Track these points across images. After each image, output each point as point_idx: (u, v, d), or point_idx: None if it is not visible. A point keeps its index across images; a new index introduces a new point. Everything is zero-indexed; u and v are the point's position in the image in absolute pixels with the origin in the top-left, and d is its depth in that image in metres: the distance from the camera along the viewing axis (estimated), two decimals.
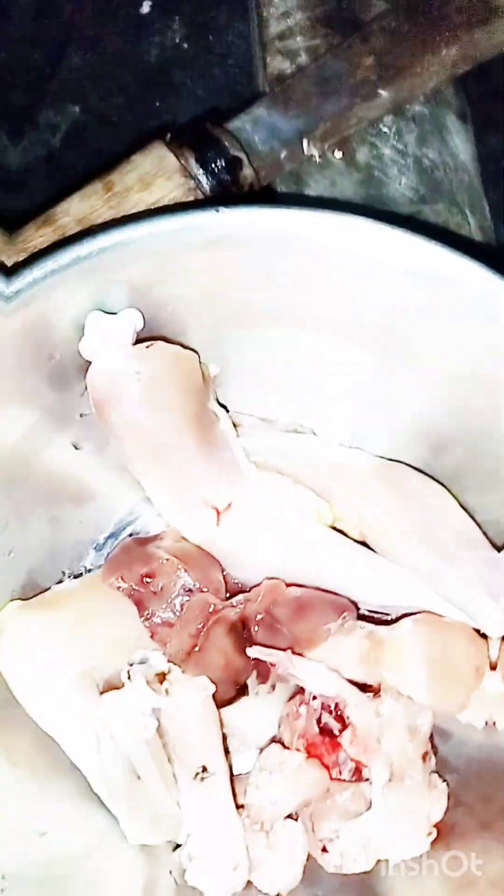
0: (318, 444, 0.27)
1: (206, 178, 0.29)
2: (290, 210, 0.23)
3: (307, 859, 0.22)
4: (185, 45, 0.34)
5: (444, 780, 0.23)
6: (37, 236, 0.28)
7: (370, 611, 0.24)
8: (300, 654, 0.23)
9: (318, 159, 0.30)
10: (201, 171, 0.29)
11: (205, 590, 0.24)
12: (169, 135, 0.29)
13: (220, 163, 0.28)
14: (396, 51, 0.29)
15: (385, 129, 0.31)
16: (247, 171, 0.29)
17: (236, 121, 0.29)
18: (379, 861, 0.22)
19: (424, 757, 0.22)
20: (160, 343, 0.25)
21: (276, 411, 0.28)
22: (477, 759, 0.23)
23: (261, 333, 0.27)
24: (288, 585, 0.24)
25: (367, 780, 0.22)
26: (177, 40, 0.34)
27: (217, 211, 0.22)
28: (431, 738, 0.24)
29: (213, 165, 0.28)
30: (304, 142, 0.30)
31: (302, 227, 0.23)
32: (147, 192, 0.28)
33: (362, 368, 0.26)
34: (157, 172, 0.28)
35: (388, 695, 0.22)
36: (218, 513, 0.26)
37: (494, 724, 0.23)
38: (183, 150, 0.28)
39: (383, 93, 0.30)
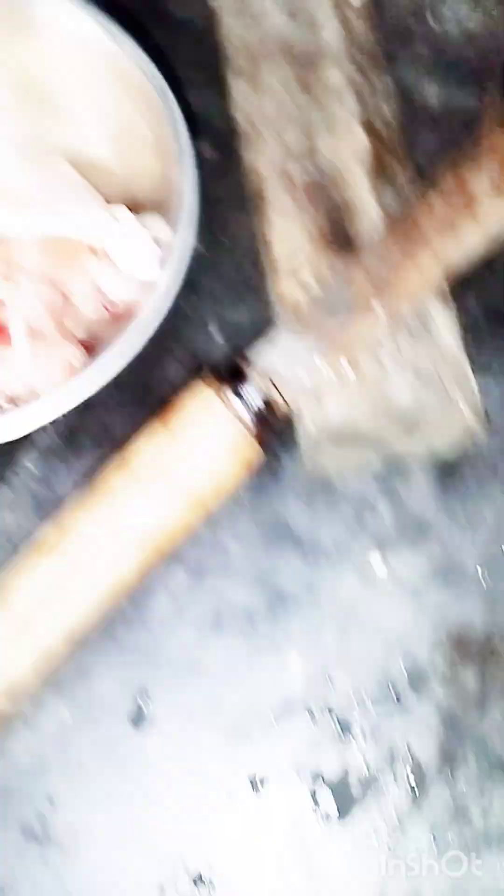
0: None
1: (247, 412, 0.33)
2: None
3: None
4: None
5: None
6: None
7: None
8: None
9: (333, 377, 0.34)
10: (241, 407, 0.33)
11: None
12: (209, 373, 0.34)
13: (256, 396, 0.33)
14: (384, 268, 0.34)
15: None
16: (277, 398, 0.33)
17: (259, 350, 0.34)
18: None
19: (58, 323, 0.34)
20: None
21: None
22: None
23: None
24: None
25: None
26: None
27: None
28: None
29: (251, 401, 0.33)
30: (317, 359, 0.34)
31: None
32: (200, 429, 0.33)
33: None
34: (204, 410, 0.33)
35: (20, 277, 0.34)
36: None
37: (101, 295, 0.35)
38: (221, 386, 0.33)
39: (377, 306, 0.34)
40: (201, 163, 0.35)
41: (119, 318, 0.36)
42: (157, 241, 0.35)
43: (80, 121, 0.38)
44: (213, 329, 0.40)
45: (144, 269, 0.34)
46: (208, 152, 0.45)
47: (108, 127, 0.38)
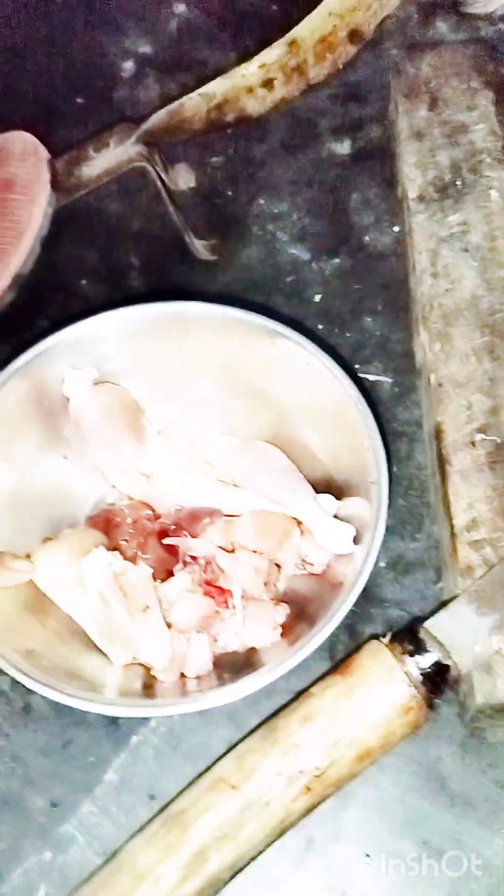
0: (208, 433, 0.46)
1: (418, 674, 0.37)
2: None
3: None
4: None
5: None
6: None
7: (226, 514, 0.43)
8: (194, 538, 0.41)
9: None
10: (415, 670, 0.37)
11: (142, 519, 0.43)
12: (389, 635, 0.38)
13: (430, 664, 0.37)
14: None
15: None
16: (450, 665, 0.37)
17: (437, 618, 0.38)
18: (251, 649, 0.40)
19: (267, 585, 0.40)
20: (107, 384, 0.45)
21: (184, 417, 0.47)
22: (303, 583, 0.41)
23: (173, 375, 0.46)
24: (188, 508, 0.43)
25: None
26: None
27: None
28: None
29: (424, 665, 0.37)
30: (494, 637, 0.37)
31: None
32: (375, 687, 0.37)
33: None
34: (380, 670, 0.37)
35: (238, 551, 0.40)
36: (147, 478, 0.45)
37: (304, 563, 0.41)
38: (398, 648, 0.37)
39: None
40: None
41: (317, 576, 0.42)
42: (354, 520, 0.39)
43: (293, 418, 0.45)
44: (391, 581, 0.44)
45: (342, 545, 0.39)
46: (386, 377, 0.50)
47: (315, 424, 0.44)
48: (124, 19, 0.66)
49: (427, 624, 0.38)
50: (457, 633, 0.38)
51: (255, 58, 0.54)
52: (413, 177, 0.51)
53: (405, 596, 0.44)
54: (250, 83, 0.54)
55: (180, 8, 0.67)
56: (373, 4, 0.54)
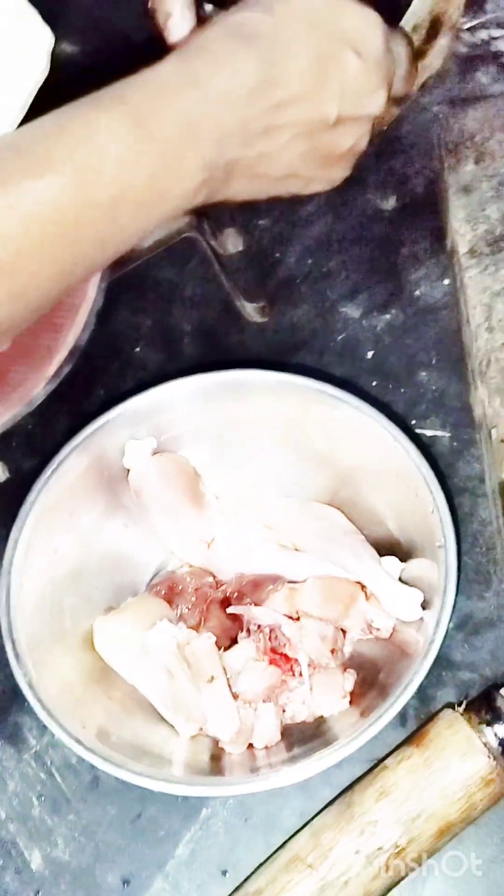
0: (267, 496, 0.46)
1: (497, 744, 0.36)
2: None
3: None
4: None
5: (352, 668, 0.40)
6: None
7: (290, 581, 0.42)
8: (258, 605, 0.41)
9: None
10: (494, 740, 0.36)
11: (204, 587, 0.43)
12: (464, 703, 0.38)
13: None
14: None
15: None
16: None
17: None
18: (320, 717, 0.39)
19: (333, 652, 0.39)
20: (166, 453, 0.46)
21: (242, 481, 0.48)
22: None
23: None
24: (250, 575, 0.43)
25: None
26: None
27: None
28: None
29: (502, 735, 0.36)
30: None
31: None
32: (452, 759, 0.36)
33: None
34: (457, 741, 0.36)
35: (303, 618, 0.40)
36: (207, 545, 0.45)
37: (370, 627, 0.40)
38: (475, 718, 0.37)
39: None
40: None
41: (385, 640, 0.41)
42: (421, 582, 0.38)
43: (353, 478, 0.45)
44: (460, 642, 0.43)
45: (409, 612, 0.38)
46: (444, 432, 0.49)
47: (376, 484, 0.44)
48: None
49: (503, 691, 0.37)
50: None
51: None
52: (463, 231, 0.51)
53: (476, 658, 0.43)
54: None
55: None
56: (416, 67, 0.55)
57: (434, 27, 0.46)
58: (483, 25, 0.64)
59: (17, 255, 0.32)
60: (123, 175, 0.34)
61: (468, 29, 0.64)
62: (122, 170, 0.33)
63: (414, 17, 0.49)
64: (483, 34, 0.64)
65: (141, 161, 0.34)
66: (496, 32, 0.64)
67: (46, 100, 0.42)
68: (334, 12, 0.39)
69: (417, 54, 0.53)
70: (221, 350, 0.55)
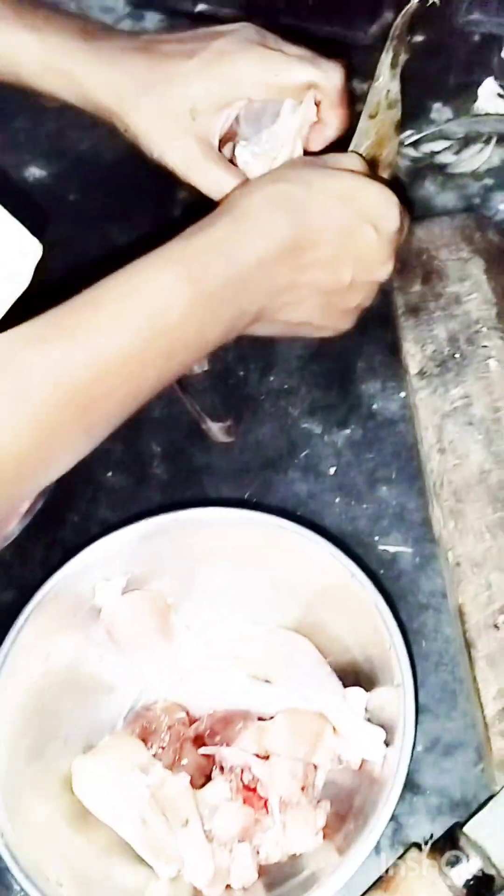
0: (236, 624, 0.48)
1: (461, 885, 0.37)
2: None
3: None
4: None
5: (324, 800, 0.41)
6: None
7: (260, 717, 0.44)
8: (228, 746, 0.42)
9: None
10: (459, 881, 0.37)
11: (177, 724, 0.44)
12: (429, 844, 0.39)
13: (473, 874, 0.37)
14: None
15: None
16: (492, 872, 0.37)
17: (476, 821, 0.39)
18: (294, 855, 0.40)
19: (304, 789, 0.40)
20: (136, 591, 0.47)
21: (212, 610, 0.49)
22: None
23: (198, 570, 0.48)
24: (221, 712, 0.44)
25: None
26: None
27: None
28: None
29: (466, 876, 0.37)
30: None
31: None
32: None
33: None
34: (421, 881, 0.37)
35: (273, 757, 0.41)
36: (180, 678, 0.46)
37: (339, 760, 0.41)
38: (439, 858, 0.37)
39: None
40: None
41: (354, 772, 0.42)
42: (387, 711, 0.40)
43: (316, 606, 0.46)
44: (430, 766, 0.44)
45: (372, 750, 0.40)
46: (406, 547, 0.51)
47: (338, 612, 0.44)
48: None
49: (467, 829, 0.38)
50: (498, 835, 0.37)
51: None
52: (413, 352, 0.53)
53: (446, 781, 0.44)
54: None
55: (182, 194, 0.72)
56: None
57: (371, 168, 0.48)
58: (427, 139, 0.67)
59: (90, 400, 0.39)
60: (182, 325, 0.40)
61: (412, 143, 0.67)
62: (181, 321, 0.40)
63: None
64: (427, 147, 0.67)
65: (195, 313, 0.41)
66: (439, 145, 0.67)
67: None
68: (360, 191, 0.46)
69: None
70: (191, 471, 0.57)
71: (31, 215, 0.74)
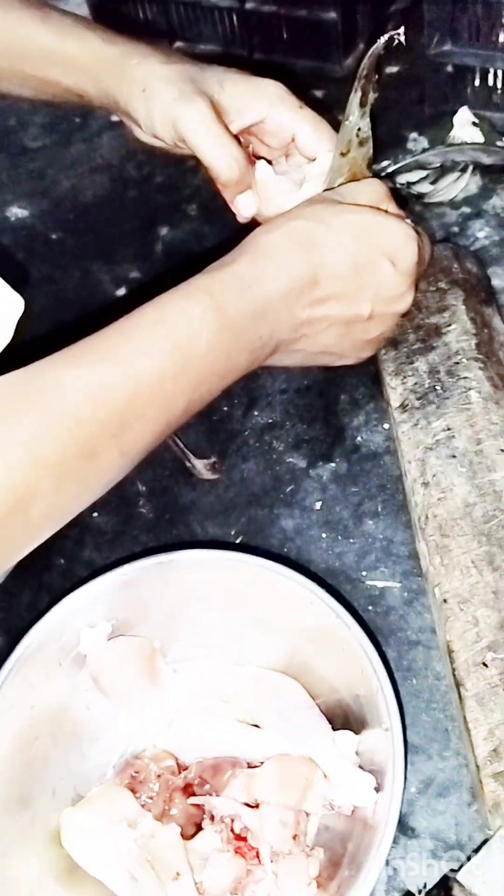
0: (223, 665, 0.47)
1: None
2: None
3: None
4: None
5: (317, 847, 0.40)
6: None
7: (249, 763, 0.43)
8: (217, 795, 0.41)
9: None
10: None
11: (166, 773, 0.43)
12: (423, 893, 0.38)
13: None
14: None
15: None
16: None
17: (469, 868, 0.38)
18: None
19: (296, 837, 0.40)
20: (122, 637, 0.47)
21: (199, 653, 0.49)
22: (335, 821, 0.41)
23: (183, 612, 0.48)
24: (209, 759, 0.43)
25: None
26: None
27: None
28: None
29: None
30: None
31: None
32: None
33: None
34: None
35: (262, 806, 0.40)
36: (167, 725, 0.45)
37: (331, 805, 0.40)
38: None
39: None
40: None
41: (347, 817, 0.41)
42: (377, 753, 0.39)
43: (304, 646, 0.46)
44: (423, 808, 0.44)
45: (362, 797, 0.39)
46: (394, 582, 0.50)
47: (325, 654, 0.44)
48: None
49: (460, 876, 0.37)
50: (492, 882, 0.37)
51: None
52: (394, 385, 0.53)
53: (440, 823, 0.43)
54: None
55: (163, 230, 0.73)
56: None
57: None
58: (403, 169, 0.68)
59: (126, 420, 0.40)
60: (209, 353, 0.43)
61: (389, 174, 0.67)
62: (209, 349, 0.43)
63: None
64: (404, 178, 0.68)
65: (221, 342, 0.43)
66: (415, 175, 0.68)
67: None
68: (378, 227, 0.47)
69: None
70: (177, 510, 0.57)
71: (14, 255, 0.75)
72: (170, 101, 0.51)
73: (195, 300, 0.43)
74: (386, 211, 0.49)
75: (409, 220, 0.50)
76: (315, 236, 0.46)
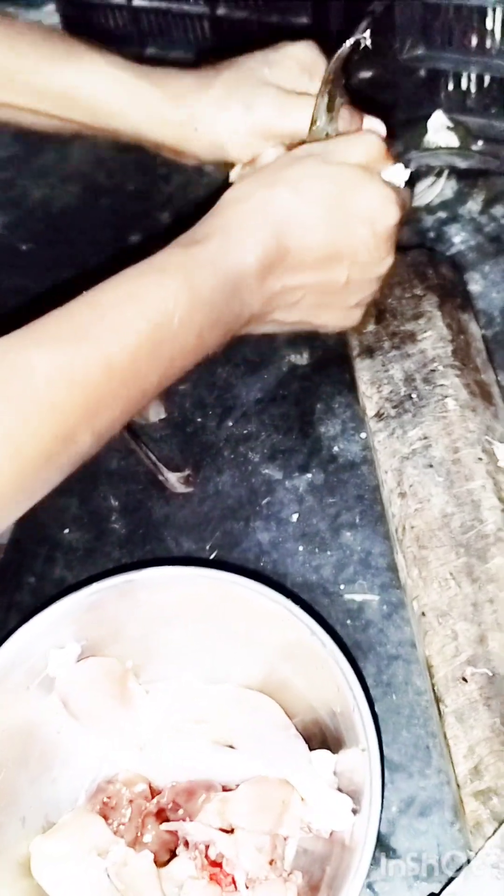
0: (197, 684, 0.46)
1: None
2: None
3: None
4: None
5: (296, 872, 0.39)
6: None
7: (224, 786, 0.42)
8: (191, 819, 0.40)
9: None
10: None
11: (138, 798, 0.42)
12: None
13: None
14: None
15: None
16: None
17: (451, 891, 0.37)
18: None
19: (272, 862, 0.38)
20: (91, 658, 0.45)
21: (172, 671, 0.47)
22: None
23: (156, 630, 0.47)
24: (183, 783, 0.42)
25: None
26: None
27: None
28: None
29: None
30: None
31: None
32: None
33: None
34: None
35: (238, 831, 0.39)
36: (140, 748, 0.44)
37: (309, 828, 0.39)
38: None
39: None
40: None
41: (325, 840, 0.40)
42: (356, 773, 0.38)
43: (280, 664, 0.44)
44: (405, 828, 0.43)
45: (340, 821, 0.38)
46: (372, 595, 0.49)
47: (301, 671, 0.43)
48: None
49: None
50: None
51: None
52: (370, 394, 0.52)
53: (422, 844, 0.42)
54: None
55: (135, 238, 0.71)
56: None
57: None
58: None
59: (100, 400, 0.39)
60: (181, 331, 0.42)
61: None
62: (181, 327, 0.41)
63: None
64: None
65: (194, 321, 0.42)
66: None
67: None
68: (354, 192, 0.45)
69: None
70: (150, 525, 0.55)
71: None
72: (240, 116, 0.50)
73: (169, 277, 0.42)
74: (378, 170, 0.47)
75: (395, 176, 0.48)
76: (284, 205, 0.44)
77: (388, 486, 0.48)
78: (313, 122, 0.46)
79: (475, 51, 0.67)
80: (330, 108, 0.45)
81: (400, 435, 0.49)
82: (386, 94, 0.75)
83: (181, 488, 0.55)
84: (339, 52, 0.42)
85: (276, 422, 0.58)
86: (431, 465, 0.48)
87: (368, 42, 0.41)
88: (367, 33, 0.41)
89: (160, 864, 0.41)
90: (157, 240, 0.69)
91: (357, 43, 0.41)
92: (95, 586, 0.44)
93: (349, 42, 0.41)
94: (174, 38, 0.81)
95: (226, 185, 0.51)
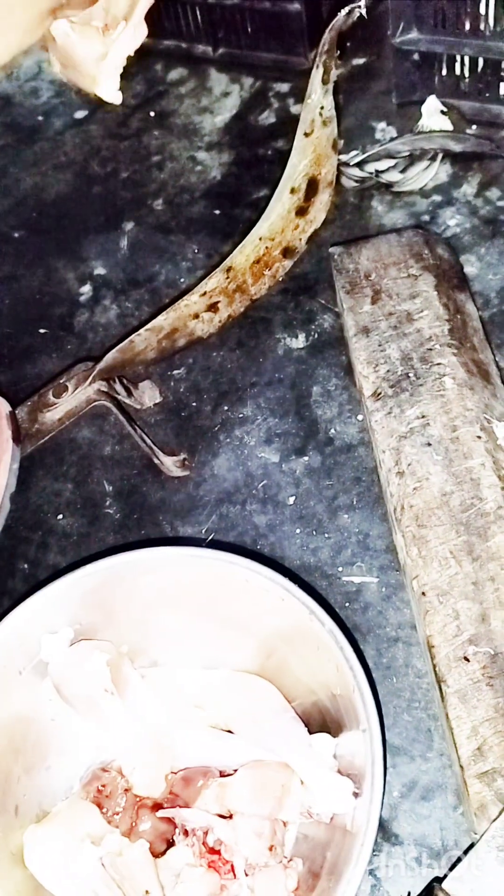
0: (193, 669, 0.45)
1: None
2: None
3: None
4: None
5: (296, 858, 0.38)
6: None
7: (221, 772, 0.41)
8: (188, 807, 0.39)
9: None
10: None
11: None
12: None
13: None
14: None
15: None
16: None
17: (456, 875, 0.35)
18: None
19: (272, 848, 0.37)
20: (84, 642, 0.44)
21: (168, 656, 0.46)
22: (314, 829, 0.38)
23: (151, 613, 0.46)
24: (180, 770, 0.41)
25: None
26: None
27: None
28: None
29: None
30: None
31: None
32: None
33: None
34: None
35: (236, 816, 0.38)
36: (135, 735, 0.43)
37: (309, 813, 0.38)
38: None
39: None
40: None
41: (326, 825, 0.39)
42: (357, 757, 0.37)
43: (279, 647, 0.43)
44: (407, 813, 0.42)
45: (341, 804, 0.37)
46: (371, 577, 0.48)
47: (301, 654, 0.42)
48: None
49: (446, 884, 0.35)
50: (479, 890, 0.35)
51: (196, 287, 0.56)
52: (366, 374, 0.51)
53: (425, 829, 0.41)
54: (195, 310, 0.56)
55: (129, 226, 0.71)
56: (300, 223, 0.56)
57: (312, 187, 0.47)
58: (372, 158, 0.67)
59: None
60: None
61: (357, 163, 0.66)
62: None
63: (290, 180, 0.51)
64: (372, 166, 0.66)
65: None
66: (384, 164, 0.66)
67: None
68: None
69: (299, 211, 0.54)
70: (145, 509, 0.55)
71: None
72: None
73: None
74: None
75: None
76: None
77: (385, 466, 0.47)
78: (308, 95, 0.45)
79: (468, 34, 0.67)
80: (325, 81, 0.44)
81: (397, 414, 0.48)
82: (379, 81, 0.74)
83: (177, 472, 0.55)
84: (334, 22, 0.41)
85: (272, 405, 0.57)
86: (430, 444, 0.47)
87: (364, 10, 0.40)
88: (363, 2, 0.40)
89: (156, 854, 0.40)
90: (150, 227, 0.69)
91: (351, 12, 0.40)
92: (88, 568, 0.43)
93: (343, 11, 0.41)
94: (166, 26, 0.80)
95: (224, 177, 0.49)
